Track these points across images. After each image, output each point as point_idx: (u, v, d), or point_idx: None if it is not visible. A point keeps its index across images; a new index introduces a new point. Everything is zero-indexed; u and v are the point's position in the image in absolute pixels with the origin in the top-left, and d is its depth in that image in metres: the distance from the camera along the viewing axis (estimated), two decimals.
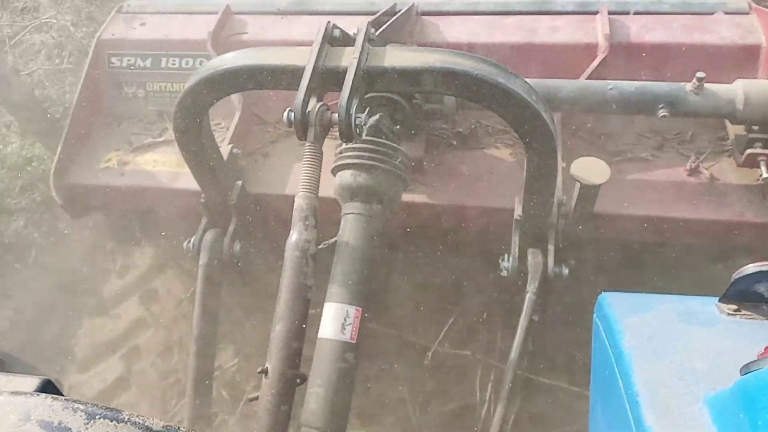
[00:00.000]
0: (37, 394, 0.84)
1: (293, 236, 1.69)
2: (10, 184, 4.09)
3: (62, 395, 0.84)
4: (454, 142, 2.53)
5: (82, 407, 0.80)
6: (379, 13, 2.36)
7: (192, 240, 2.40)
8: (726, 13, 2.57)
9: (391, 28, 2.36)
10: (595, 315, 1.49)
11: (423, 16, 2.74)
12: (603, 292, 1.48)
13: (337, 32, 1.85)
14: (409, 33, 2.62)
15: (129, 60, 2.83)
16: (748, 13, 2.57)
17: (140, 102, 2.85)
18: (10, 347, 3.09)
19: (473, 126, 2.56)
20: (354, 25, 1.89)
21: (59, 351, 3.19)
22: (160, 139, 2.73)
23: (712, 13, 2.59)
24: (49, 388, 0.88)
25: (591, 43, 2.50)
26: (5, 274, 3.67)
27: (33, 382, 0.89)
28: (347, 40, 1.85)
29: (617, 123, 2.50)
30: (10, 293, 3.59)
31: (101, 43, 2.84)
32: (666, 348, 1.23)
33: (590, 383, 1.56)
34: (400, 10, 2.55)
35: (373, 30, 1.85)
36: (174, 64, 2.80)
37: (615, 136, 2.48)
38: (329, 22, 1.85)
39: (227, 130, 2.64)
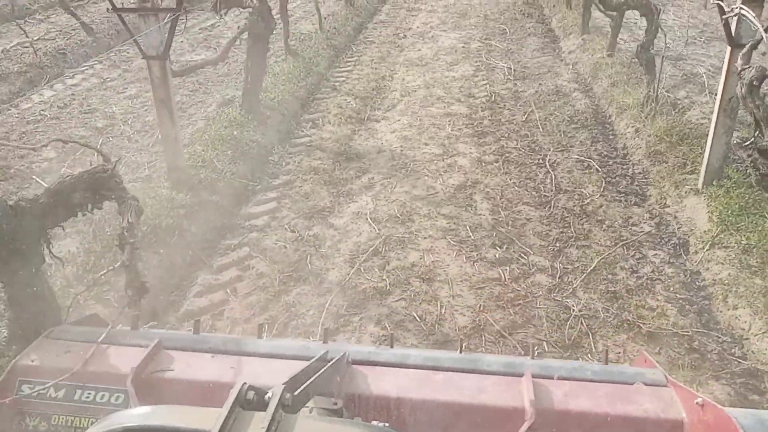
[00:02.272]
0: None
1: None
2: None
3: None
4: None
5: None
6: (303, 368, 2.32)
7: None
8: (645, 384, 2.65)
9: (319, 379, 2.32)
10: None
11: (354, 365, 2.75)
12: None
13: (251, 394, 1.79)
14: (338, 383, 2.59)
15: (41, 389, 2.68)
16: (665, 386, 2.65)
17: None
18: None
19: None
20: (286, 371, 1.86)
21: None
22: None
23: (632, 383, 2.67)
24: None
25: (517, 407, 2.48)
26: None
27: None
28: (261, 404, 1.79)
29: None
30: None
31: (15, 369, 2.70)
32: None
33: None
34: (332, 359, 2.56)
35: (288, 396, 1.79)
36: (88, 398, 2.65)
37: None
38: (244, 383, 1.80)
39: None
